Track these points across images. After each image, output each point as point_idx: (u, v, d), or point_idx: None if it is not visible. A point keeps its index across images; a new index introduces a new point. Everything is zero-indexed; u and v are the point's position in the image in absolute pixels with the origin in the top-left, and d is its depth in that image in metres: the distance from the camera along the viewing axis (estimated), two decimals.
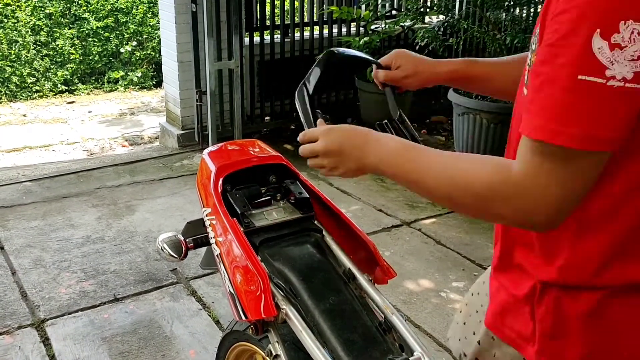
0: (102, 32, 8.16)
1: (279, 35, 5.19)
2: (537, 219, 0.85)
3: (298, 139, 1.15)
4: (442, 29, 4.94)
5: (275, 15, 5.16)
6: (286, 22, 5.25)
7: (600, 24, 0.75)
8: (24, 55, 7.73)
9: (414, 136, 1.24)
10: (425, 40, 4.82)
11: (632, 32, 0.74)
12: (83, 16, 8.10)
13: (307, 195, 1.43)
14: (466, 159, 0.95)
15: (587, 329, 0.95)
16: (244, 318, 1.24)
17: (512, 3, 4.79)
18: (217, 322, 2.75)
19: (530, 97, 0.84)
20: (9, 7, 7.75)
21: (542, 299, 0.98)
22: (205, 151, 1.61)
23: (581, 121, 0.78)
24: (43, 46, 7.92)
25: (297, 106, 1.27)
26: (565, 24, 0.78)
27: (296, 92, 1.29)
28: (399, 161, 1.00)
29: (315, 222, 1.42)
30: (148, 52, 8.38)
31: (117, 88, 8.08)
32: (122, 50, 8.23)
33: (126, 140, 5.98)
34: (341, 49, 1.45)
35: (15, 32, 7.72)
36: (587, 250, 0.92)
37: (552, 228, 0.87)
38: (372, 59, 1.41)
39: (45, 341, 2.60)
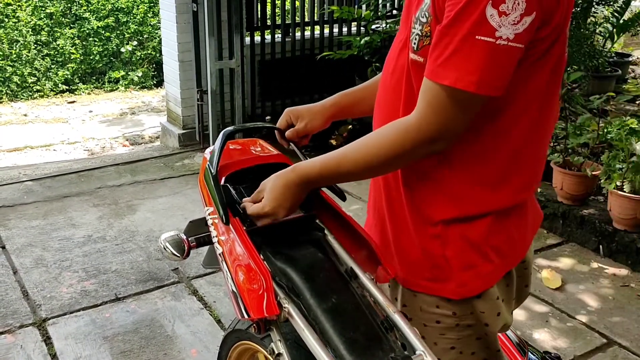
0: (103, 32, 8.16)
1: (279, 35, 5.19)
2: (438, 146, 1.11)
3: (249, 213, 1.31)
4: None
5: (276, 14, 5.16)
6: (287, 22, 5.25)
7: None
8: (24, 55, 7.74)
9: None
10: None
11: (514, 2, 0.98)
12: (84, 16, 8.11)
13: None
14: (375, 136, 1.17)
15: (491, 247, 1.22)
16: (246, 317, 1.24)
17: None
18: (219, 322, 2.75)
19: (438, 52, 1.05)
20: (10, 7, 7.76)
21: (447, 239, 1.22)
22: (207, 150, 1.60)
23: (478, 70, 1.02)
24: (44, 46, 7.93)
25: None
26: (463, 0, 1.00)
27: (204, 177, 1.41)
28: (316, 164, 1.22)
29: (317, 221, 1.42)
30: (149, 51, 8.39)
31: (118, 88, 8.08)
32: (122, 49, 8.24)
33: (127, 140, 5.98)
34: (237, 127, 1.59)
35: (16, 31, 7.72)
36: (481, 181, 1.18)
37: (446, 149, 1.13)
38: (269, 125, 1.60)
39: (47, 340, 2.61)
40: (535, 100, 1.15)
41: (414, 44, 1.14)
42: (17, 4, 7.80)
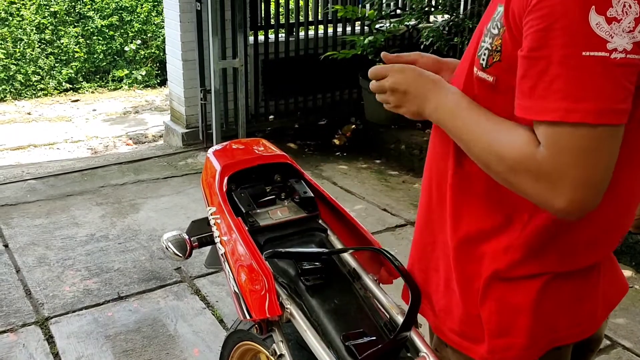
0: (107, 31, 8.17)
1: (283, 34, 5.18)
2: (557, 202, 0.84)
3: (368, 73, 1.13)
4: (447, 28, 4.92)
5: (280, 14, 5.15)
6: (291, 21, 5.25)
7: (595, 1, 0.78)
8: (28, 54, 7.75)
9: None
10: (430, 39, 4.80)
11: (624, 5, 0.78)
12: (88, 14, 8.11)
13: (312, 195, 1.42)
14: (505, 128, 0.91)
15: (531, 320, 1.01)
16: (248, 317, 1.23)
17: None
18: (221, 321, 2.75)
19: (530, 83, 0.84)
20: (14, 5, 7.77)
21: (485, 296, 1.03)
22: (210, 150, 1.60)
23: (593, 96, 0.79)
24: (48, 44, 7.94)
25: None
26: (554, 7, 0.80)
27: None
28: (451, 116, 0.99)
29: (320, 221, 1.42)
30: (152, 50, 8.39)
31: (122, 86, 8.09)
32: (126, 48, 8.24)
33: (130, 139, 5.98)
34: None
35: (20, 30, 7.73)
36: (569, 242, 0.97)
37: (580, 211, 0.85)
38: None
39: (49, 339, 2.60)
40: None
41: (483, 60, 0.95)
42: (22, 2, 7.81)
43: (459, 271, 1.06)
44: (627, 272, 3.20)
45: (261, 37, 5.07)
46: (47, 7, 7.90)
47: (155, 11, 8.41)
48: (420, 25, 5.18)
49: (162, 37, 8.19)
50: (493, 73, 0.93)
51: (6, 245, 3.35)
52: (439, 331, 1.13)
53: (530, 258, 0.99)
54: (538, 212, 0.96)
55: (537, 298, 1.00)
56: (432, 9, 5.20)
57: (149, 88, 8.19)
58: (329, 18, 5.36)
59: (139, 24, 8.33)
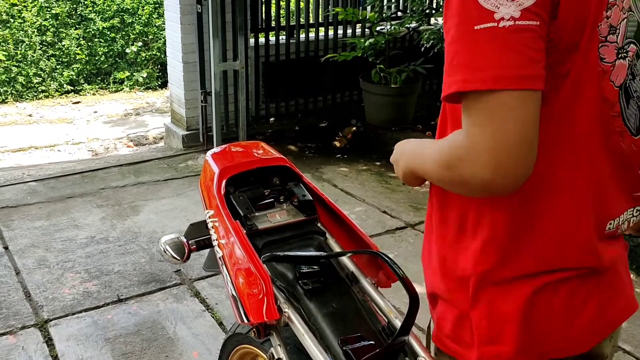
0: (108, 33, 8.17)
1: (284, 37, 5.18)
2: (485, 176, 0.84)
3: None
4: None
5: (281, 16, 5.16)
6: (291, 23, 5.25)
7: None
8: (30, 56, 7.75)
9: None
10: (431, 41, 4.81)
11: None
12: (89, 17, 8.12)
13: (311, 198, 1.42)
14: (439, 140, 0.96)
15: (520, 329, 1.00)
16: (246, 321, 1.23)
17: None
18: (221, 324, 2.74)
19: (445, 66, 0.88)
20: (16, 8, 7.78)
21: (477, 298, 1.02)
22: (209, 153, 1.60)
23: (488, 65, 0.82)
24: (49, 46, 7.94)
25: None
26: None
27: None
28: (412, 158, 1.04)
29: (319, 224, 1.42)
30: (153, 52, 8.39)
31: (123, 88, 8.09)
32: (127, 50, 8.25)
33: (131, 141, 5.98)
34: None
35: (21, 32, 7.74)
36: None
37: (505, 178, 0.84)
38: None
39: (49, 342, 2.60)
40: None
41: None
42: (23, 4, 7.82)
43: (448, 276, 1.06)
44: None
45: (262, 40, 5.07)
46: (49, 9, 7.91)
47: (156, 13, 8.42)
48: (421, 28, 5.18)
49: (163, 39, 8.20)
50: None
51: (6, 247, 3.35)
52: (436, 339, 1.12)
53: (507, 259, 0.99)
54: (483, 211, 0.99)
55: (526, 306, 0.99)
56: (433, 11, 5.20)
57: (150, 90, 8.20)
58: (330, 20, 5.36)
59: (140, 26, 8.33)
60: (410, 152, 1.06)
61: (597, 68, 0.93)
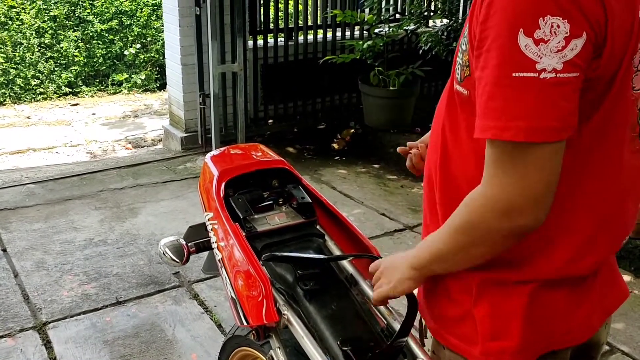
0: (106, 35, 8.17)
1: (282, 39, 5.19)
2: (516, 219, 0.89)
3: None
4: (445, 33, 4.93)
5: (279, 18, 5.16)
6: (290, 26, 5.25)
7: (522, 24, 0.82)
8: (28, 58, 7.75)
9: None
10: (429, 44, 4.81)
11: (552, 26, 0.81)
12: (87, 19, 8.12)
13: (310, 200, 1.42)
14: (455, 214, 0.98)
15: (526, 322, 1.03)
16: (245, 323, 1.23)
17: None
18: (219, 326, 2.74)
19: (478, 101, 0.88)
20: (14, 10, 7.78)
21: (479, 298, 1.05)
22: (208, 155, 1.60)
23: (524, 115, 0.83)
24: (47, 48, 7.94)
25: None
26: (491, 29, 0.84)
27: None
28: (426, 245, 1.05)
29: (318, 226, 1.42)
30: (152, 54, 8.40)
31: (121, 90, 8.09)
32: (126, 52, 8.25)
33: (129, 143, 5.98)
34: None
35: (19, 34, 7.74)
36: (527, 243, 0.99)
37: (536, 223, 0.90)
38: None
39: (47, 344, 2.60)
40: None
41: (458, 74, 1.00)
42: (21, 6, 7.82)
43: (451, 276, 1.08)
44: (626, 277, 3.20)
45: (260, 42, 5.07)
46: (47, 12, 7.91)
47: (154, 15, 8.42)
48: (419, 30, 5.19)
49: (161, 41, 8.20)
50: (466, 87, 0.96)
51: (4, 250, 3.34)
52: (437, 334, 1.14)
53: (519, 268, 1.01)
54: None
55: (529, 303, 1.02)
56: (431, 14, 5.21)
57: (148, 92, 8.19)
58: (328, 22, 5.37)
59: (139, 28, 8.33)
60: (410, 256, 1.08)
61: (630, 98, 0.96)
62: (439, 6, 5.12)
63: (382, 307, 1.22)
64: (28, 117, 6.97)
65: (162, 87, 8.09)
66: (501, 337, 1.04)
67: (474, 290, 1.05)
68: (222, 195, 1.40)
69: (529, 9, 0.82)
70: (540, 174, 0.86)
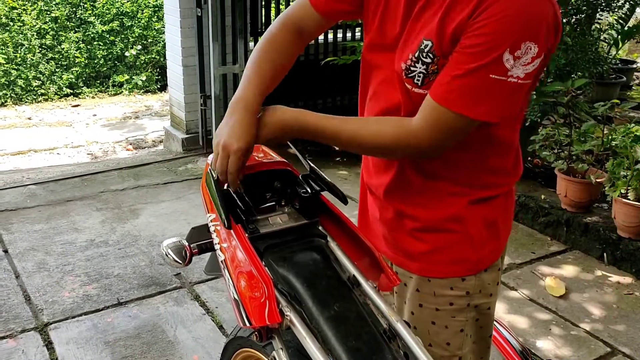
0: (108, 36, 8.18)
1: None
2: (427, 156, 1.29)
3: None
4: None
5: None
6: None
7: (510, 45, 1.12)
8: (29, 59, 7.76)
9: (329, 185, 1.43)
10: None
11: (528, 48, 1.12)
12: (89, 20, 8.13)
13: (314, 190, 1.42)
14: (373, 121, 1.34)
15: (502, 224, 1.42)
16: (248, 324, 1.23)
17: None
18: (221, 327, 2.74)
19: (448, 78, 1.16)
20: (15, 11, 7.78)
21: (471, 219, 1.36)
22: (210, 156, 1.60)
23: (488, 102, 1.17)
24: (48, 49, 7.95)
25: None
26: (487, 43, 1.12)
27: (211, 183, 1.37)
28: (316, 118, 1.34)
29: (320, 227, 1.42)
30: (153, 56, 8.40)
31: (122, 91, 8.10)
32: (127, 53, 8.25)
33: (130, 144, 5.99)
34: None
35: (21, 35, 7.74)
36: (504, 169, 1.39)
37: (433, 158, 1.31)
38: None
39: (49, 345, 2.60)
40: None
41: (417, 80, 1.24)
42: (22, 7, 7.82)
43: (435, 209, 1.38)
44: (628, 279, 3.20)
45: None
46: (48, 13, 7.92)
47: (155, 17, 8.42)
48: None
49: (162, 43, 8.20)
50: (427, 88, 1.23)
51: (6, 251, 3.35)
52: (423, 271, 1.41)
53: (498, 183, 1.38)
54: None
55: (501, 210, 1.39)
56: None
57: (149, 93, 8.20)
58: None
59: (140, 30, 8.34)
60: (308, 114, 1.36)
61: None
62: None
63: (384, 308, 1.23)
64: (29, 118, 6.98)
65: (163, 88, 8.10)
66: (488, 242, 1.38)
67: (465, 214, 1.35)
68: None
69: (519, 36, 1.11)
70: (460, 138, 1.23)
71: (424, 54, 1.21)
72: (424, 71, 1.22)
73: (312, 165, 1.46)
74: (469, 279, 1.39)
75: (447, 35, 1.18)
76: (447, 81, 1.17)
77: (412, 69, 1.24)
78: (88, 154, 5.75)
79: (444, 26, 1.18)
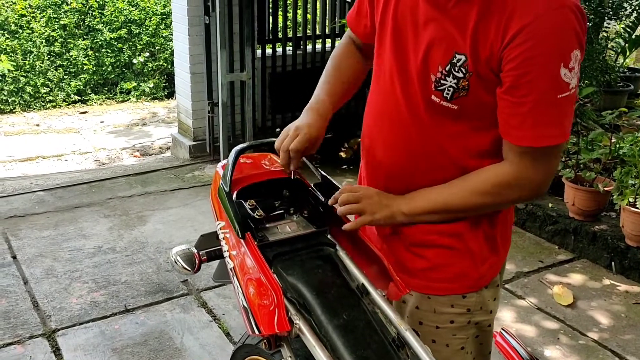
0: (116, 43, 8.22)
1: (290, 48, 5.21)
2: (533, 197, 1.29)
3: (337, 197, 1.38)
4: None
5: (288, 27, 5.18)
6: (298, 35, 5.27)
7: (563, 59, 1.13)
8: (38, 66, 7.80)
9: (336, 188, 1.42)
10: None
11: (575, 56, 1.14)
12: (97, 27, 8.17)
13: (331, 181, 1.45)
14: (473, 175, 1.29)
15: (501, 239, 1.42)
16: (257, 332, 1.23)
17: None
18: (228, 334, 2.74)
19: (520, 118, 1.17)
20: (24, 18, 7.84)
21: (473, 235, 1.36)
22: (219, 164, 1.61)
23: (567, 121, 1.19)
24: (57, 57, 7.99)
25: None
26: (537, 66, 1.12)
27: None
28: (424, 197, 1.32)
29: (329, 236, 1.42)
30: (160, 63, 8.44)
31: (130, 98, 8.13)
32: (134, 61, 8.29)
33: (137, 151, 6.01)
34: (249, 143, 1.54)
35: (30, 42, 7.80)
36: None
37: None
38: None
39: (56, 351, 2.61)
40: None
41: (447, 94, 1.23)
42: (32, 15, 7.88)
43: (441, 229, 1.36)
44: (636, 288, 3.19)
45: (269, 51, 5.09)
46: (57, 20, 7.97)
47: (163, 24, 8.47)
48: None
49: (170, 50, 8.24)
50: (457, 103, 1.23)
51: (14, 257, 3.36)
52: (425, 288, 1.38)
53: None
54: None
55: (500, 224, 1.39)
56: None
57: (157, 100, 8.23)
58: (336, 32, 5.39)
59: (148, 37, 8.38)
60: (402, 202, 1.34)
61: None
62: None
63: (393, 317, 1.23)
64: (37, 125, 7.01)
65: (170, 95, 8.13)
66: (489, 257, 1.37)
67: (463, 230, 1.34)
68: None
69: (566, 47, 1.12)
70: (555, 165, 1.25)
71: (456, 68, 1.20)
72: (454, 85, 1.21)
73: (323, 173, 1.48)
74: (470, 295, 1.37)
75: (481, 55, 1.17)
76: (520, 121, 1.17)
77: (442, 82, 1.23)
78: (95, 160, 5.78)
79: (476, 44, 1.17)
